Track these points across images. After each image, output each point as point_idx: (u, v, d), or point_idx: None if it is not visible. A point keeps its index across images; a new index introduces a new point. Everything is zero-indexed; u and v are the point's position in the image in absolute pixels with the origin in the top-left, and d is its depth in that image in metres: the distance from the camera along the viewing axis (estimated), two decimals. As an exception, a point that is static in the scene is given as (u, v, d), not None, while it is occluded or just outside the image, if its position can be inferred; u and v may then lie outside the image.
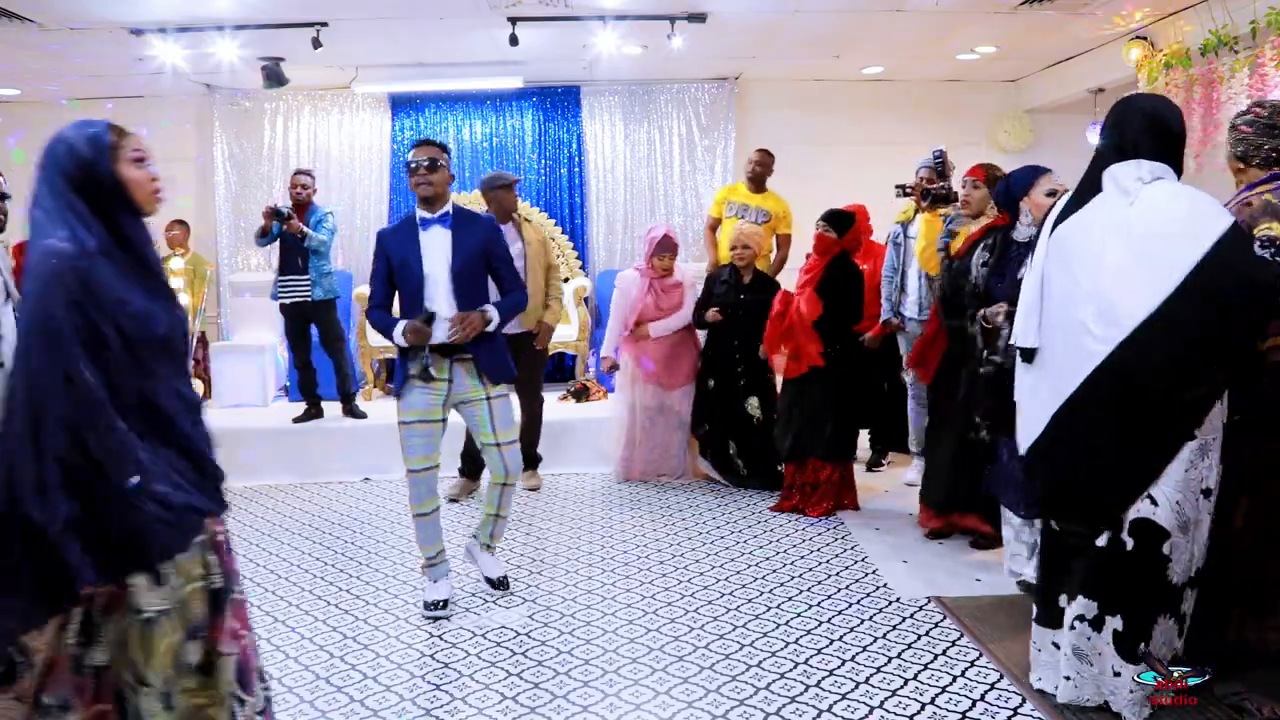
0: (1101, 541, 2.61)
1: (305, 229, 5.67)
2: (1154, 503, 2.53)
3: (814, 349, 4.62)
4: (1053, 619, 2.73)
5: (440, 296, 3.46)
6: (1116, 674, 2.58)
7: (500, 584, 3.75)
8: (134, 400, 1.81)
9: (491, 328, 3.47)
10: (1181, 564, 2.57)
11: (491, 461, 3.64)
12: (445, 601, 3.57)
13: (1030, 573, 3.36)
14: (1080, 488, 2.63)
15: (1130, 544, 2.56)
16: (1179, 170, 2.61)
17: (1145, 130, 2.57)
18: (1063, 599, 2.70)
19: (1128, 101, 2.69)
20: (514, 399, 3.89)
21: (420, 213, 3.52)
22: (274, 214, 5.64)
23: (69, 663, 1.75)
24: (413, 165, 3.46)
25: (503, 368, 3.58)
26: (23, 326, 1.75)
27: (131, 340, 1.79)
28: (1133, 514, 2.56)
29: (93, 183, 1.83)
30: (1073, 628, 2.65)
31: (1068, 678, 2.67)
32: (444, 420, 3.55)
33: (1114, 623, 2.58)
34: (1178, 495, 2.53)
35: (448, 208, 3.53)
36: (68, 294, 1.72)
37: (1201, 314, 2.42)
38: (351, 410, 5.94)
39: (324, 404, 6.00)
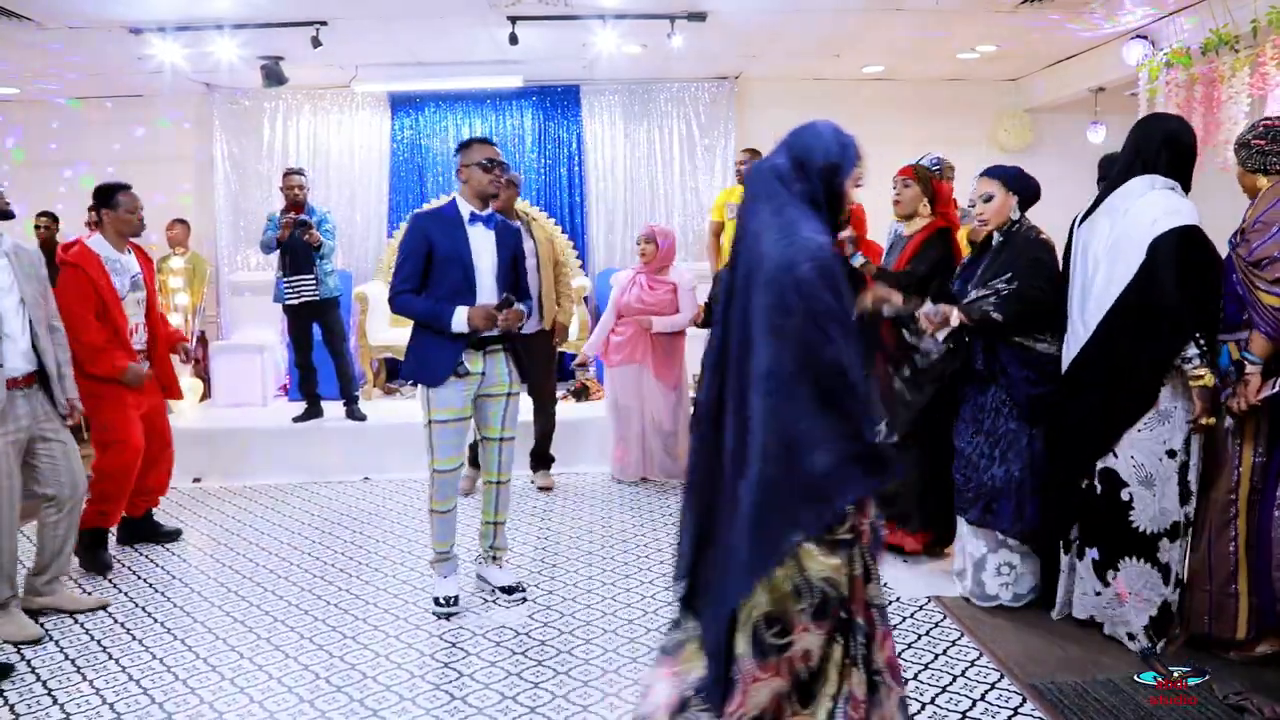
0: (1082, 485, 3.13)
1: (322, 239, 5.68)
2: (1115, 455, 3.03)
3: None
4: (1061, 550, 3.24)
5: (485, 292, 3.48)
6: (1098, 594, 3.12)
7: (514, 590, 3.70)
8: None
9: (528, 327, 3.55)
10: (1147, 514, 2.99)
11: (489, 457, 3.65)
12: (456, 598, 3.57)
13: (966, 587, 3.53)
14: (1058, 444, 3.19)
15: (1099, 489, 3.07)
16: (1186, 182, 2.96)
17: (1163, 147, 2.94)
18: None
19: (1148, 120, 3.09)
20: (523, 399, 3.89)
21: (470, 208, 3.51)
22: (296, 224, 5.62)
23: (863, 593, 1.93)
24: (488, 164, 3.45)
25: (524, 367, 3.69)
26: (805, 310, 1.80)
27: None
28: (1100, 464, 3.06)
29: (830, 186, 1.98)
30: (1080, 557, 3.17)
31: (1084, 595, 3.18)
32: (470, 417, 3.57)
33: (1092, 553, 3.12)
34: (1133, 451, 2.99)
35: (492, 209, 3.59)
36: (836, 284, 1.83)
37: (1135, 321, 2.86)
38: (354, 413, 5.93)
39: (324, 404, 6.00)
